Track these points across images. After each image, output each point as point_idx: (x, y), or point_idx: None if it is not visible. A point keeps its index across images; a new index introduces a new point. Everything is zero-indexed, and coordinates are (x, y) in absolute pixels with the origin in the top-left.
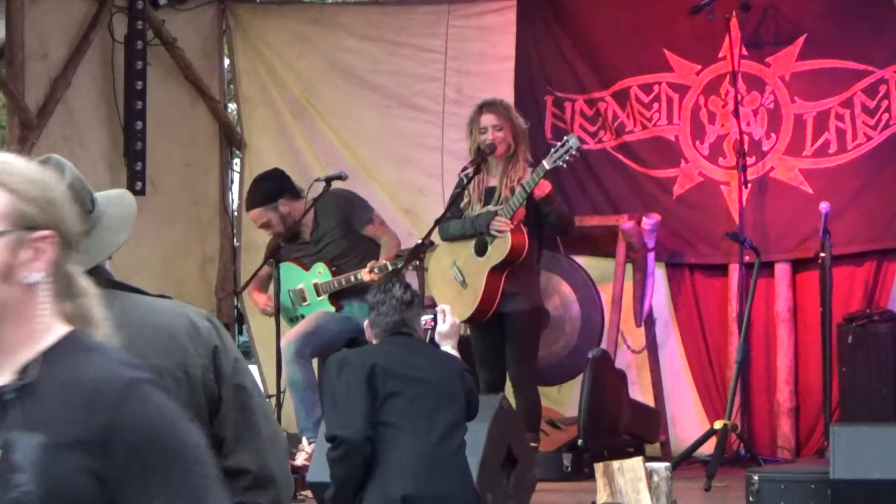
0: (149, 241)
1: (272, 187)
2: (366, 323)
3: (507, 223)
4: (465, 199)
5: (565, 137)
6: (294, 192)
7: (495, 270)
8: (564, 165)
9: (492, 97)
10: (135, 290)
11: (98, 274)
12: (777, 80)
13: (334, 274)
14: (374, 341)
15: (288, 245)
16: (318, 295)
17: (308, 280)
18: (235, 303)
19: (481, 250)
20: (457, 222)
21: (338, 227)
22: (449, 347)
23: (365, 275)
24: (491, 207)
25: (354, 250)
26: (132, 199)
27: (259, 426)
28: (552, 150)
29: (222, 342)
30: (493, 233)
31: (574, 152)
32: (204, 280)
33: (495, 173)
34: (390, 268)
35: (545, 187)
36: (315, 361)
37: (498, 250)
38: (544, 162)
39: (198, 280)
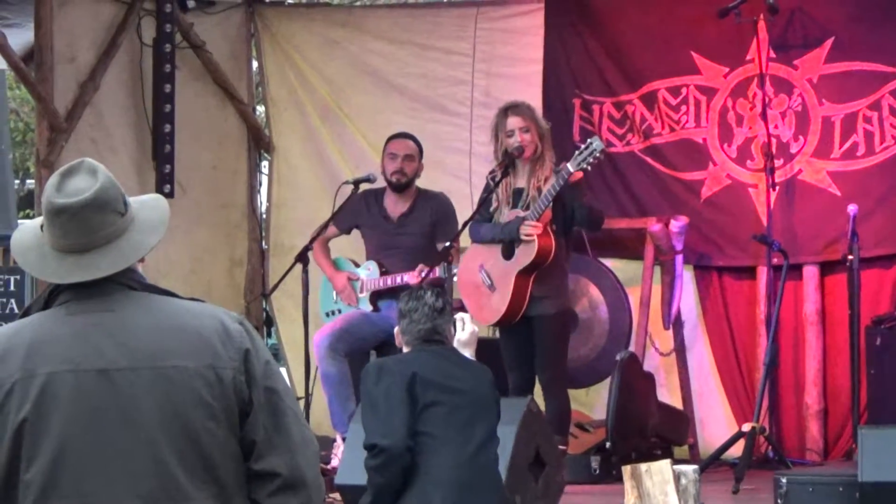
0: (177, 243)
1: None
2: (396, 330)
3: (536, 226)
4: (494, 203)
5: (589, 140)
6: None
7: (523, 273)
8: (588, 168)
9: (514, 100)
10: (166, 293)
11: (129, 276)
12: (805, 83)
13: (382, 274)
14: (405, 349)
15: (371, 211)
16: (361, 291)
17: (356, 274)
18: (264, 305)
19: (508, 253)
20: (487, 226)
21: (426, 226)
22: (468, 355)
23: (412, 277)
24: (520, 211)
25: (421, 255)
26: (165, 204)
27: (290, 429)
28: (576, 152)
29: (253, 345)
30: (523, 238)
31: (598, 154)
32: (232, 283)
33: (522, 175)
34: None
35: (577, 175)
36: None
37: (525, 253)
38: (568, 165)
39: (226, 283)
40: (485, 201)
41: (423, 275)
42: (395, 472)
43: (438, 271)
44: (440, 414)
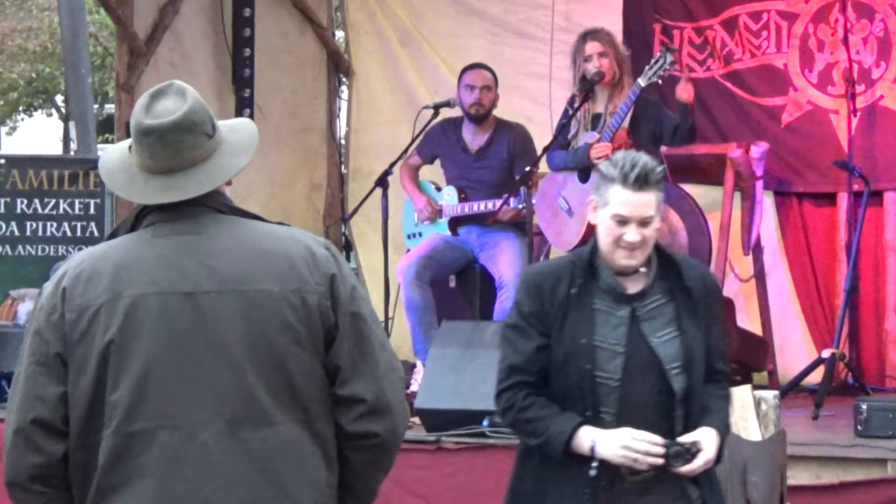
0: (256, 168)
1: None
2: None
3: (606, 147)
4: (573, 129)
5: (658, 53)
6: None
7: None
8: (660, 81)
9: (594, 26)
10: (253, 217)
11: (217, 199)
12: (887, 8)
13: (461, 200)
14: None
15: (450, 141)
16: (440, 217)
17: (436, 200)
18: (343, 230)
19: (585, 177)
20: (560, 154)
21: (504, 159)
22: None
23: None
24: (595, 133)
25: (498, 188)
26: (254, 127)
27: (376, 354)
28: (647, 67)
29: (340, 270)
30: (593, 161)
31: (668, 67)
32: (311, 207)
33: (601, 100)
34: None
35: (690, 92)
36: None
37: None
38: (639, 80)
39: (305, 207)
40: (563, 127)
41: (504, 199)
42: None
43: (515, 201)
44: None
